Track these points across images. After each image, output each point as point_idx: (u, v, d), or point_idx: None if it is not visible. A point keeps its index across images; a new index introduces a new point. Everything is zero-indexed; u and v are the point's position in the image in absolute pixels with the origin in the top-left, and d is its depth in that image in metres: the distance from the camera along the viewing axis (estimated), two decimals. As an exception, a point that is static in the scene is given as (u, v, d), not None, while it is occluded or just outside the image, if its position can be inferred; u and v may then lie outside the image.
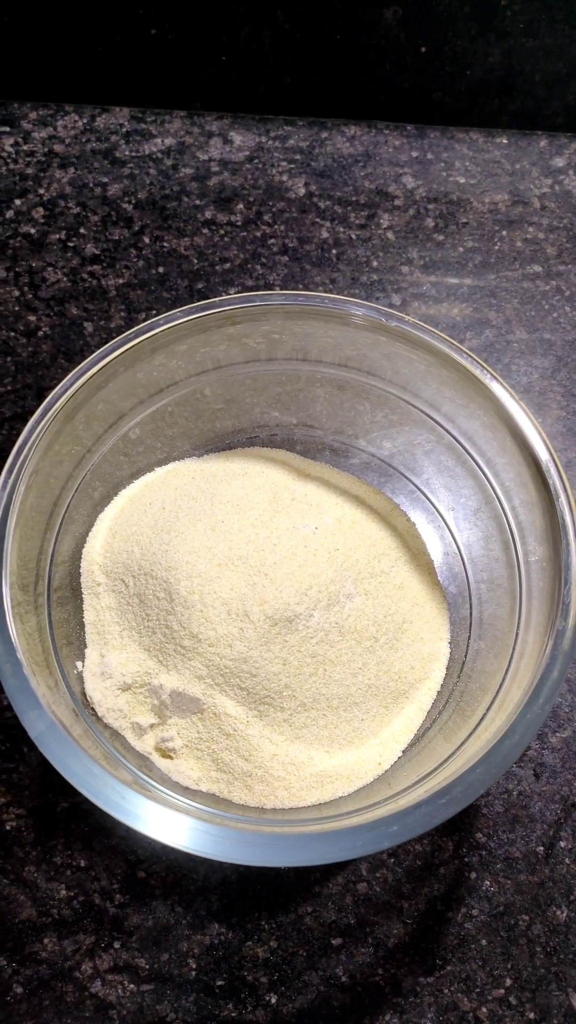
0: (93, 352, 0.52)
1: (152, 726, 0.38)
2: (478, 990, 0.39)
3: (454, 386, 0.41)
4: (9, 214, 0.56)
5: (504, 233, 0.57)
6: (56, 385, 0.51)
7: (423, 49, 0.56)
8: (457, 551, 0.44)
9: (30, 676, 0.31)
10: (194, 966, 0.39)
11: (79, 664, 0.39)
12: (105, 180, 0.58)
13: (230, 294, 0.54)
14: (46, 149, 0.59)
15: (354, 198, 0.57)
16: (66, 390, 0.38)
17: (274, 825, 0.35)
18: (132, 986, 0.39)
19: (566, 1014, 0.39)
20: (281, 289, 0.55)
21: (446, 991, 0.39)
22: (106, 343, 0.52)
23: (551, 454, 0.37)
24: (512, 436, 0.38)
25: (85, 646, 0.39)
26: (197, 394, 0.45)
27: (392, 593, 0.41)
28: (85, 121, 0.60)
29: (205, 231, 0.56)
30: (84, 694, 0.38)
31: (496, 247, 0.56)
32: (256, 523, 0.40)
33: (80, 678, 0.38)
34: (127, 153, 0.59)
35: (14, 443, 0.49)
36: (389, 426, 0.46)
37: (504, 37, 0.55)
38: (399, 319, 0.39)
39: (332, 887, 0.41)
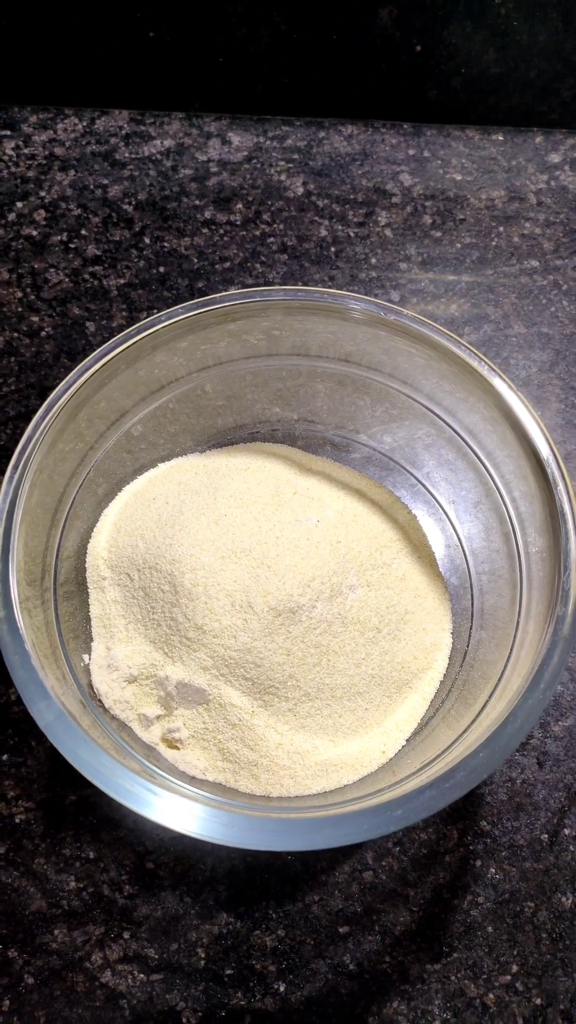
0: (95, 351, 0.53)
1: (158, 717, 0.38)
2: (485, 976, 0.40)
3: (454, 380, 0.41)
4: (11, 217, 0.57)
5: (501, 229, 0.57)
6: (59, 384, 0.52)
7: (418, 48, 0.57)
8: (458, 543, 0.45)
9: (38, 668, 0.32)
10: (203, 955, 0.40)
11: (85, 657, 0.39)
12: (105, 182, 0.58)
13: (230, 293, 0.55)
14: (47, 152, 0.59)
15: (352, 196, 0.58)
16: (69, 387, 0.38)
17: (280, 812, 0.35)
18: (142, 976, 0.40)
19: (572, 999, 0.39)
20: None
21: (453, 978, 0.40)
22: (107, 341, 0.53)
23: (551, 446, 0.37)
24: (512, 429, 0.39)
25: (91, 639, 0.40)
26: (198, 391, 0.45)
27: (394, 584, 0.41)
28: (85, 124, 0.60)
29: (205, 231, 0.57)
30: (91, 686, 0.38)
31: (493, 243, 0.57)
32: (259, 516, 0.40)
33: (87, 671, 0.39)
34: (127, 155, 0.59)
35: (18, 442, 0.50)
36: (390, 420, 0.47)
37: (499, 35, 0.56)
38: (399, 313, 0.40)
39: (338, 876, 0.41)
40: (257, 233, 0.57)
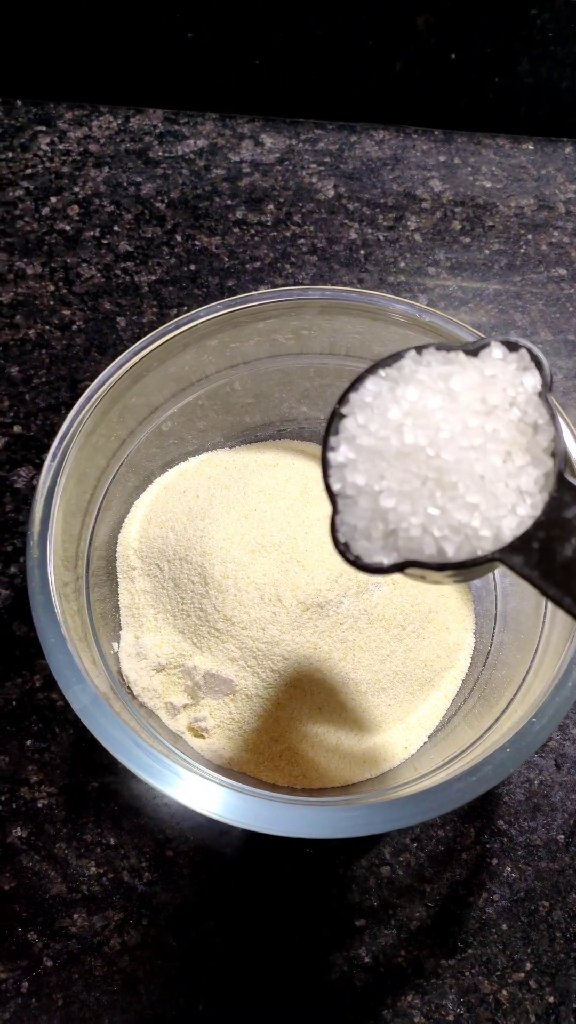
0: (125, 346, 0.54)
1: (185, 706, 0.39)
2: (499, 973, 0.40)
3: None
4: (45, 211, 0.58)
5: (529, 237, 0.58)
6: (89, 377, 0.53)
7: (453, 56, 0.57)
8: (482, 545, 0.45)
9: (74, 652, 0.32)
10: (220, 944, 0.40)
11: (115, 645, 0.40)
12: (139, 180, 0.59)
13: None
14: (81, 148, 0.60)
15: (382, 200, 0.58)
16: (105, 382, 0.39)
17: (307, 803, 0.36)
18: (160, 962, 0.40)
19: (584, 999, 0.40)
20: (310, 288, 0.56)
21: (467, 973, 0.40)
22: (138, 337, 0.54)
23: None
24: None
25: (120, 628, 0.40)
26: (227, 388, 0.46)
27: (419, 583, 0.42)
28: (119, 122, 0.61)
29: (236, 230, 0.57)
30: (120, 674, 0.39)
31: (521, 250, 0.57)
32: (288, 512, 0.41)
33: (116, 658, 0.39)
34: (160, 154, 0.60)
35: (48, 433, 0.51)
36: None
37: (533, 45, 0.56)
38: (432, 314, 0.40)
39: (356, 870, 0.41)
40: (287, 234, 0.57)
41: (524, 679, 0.37)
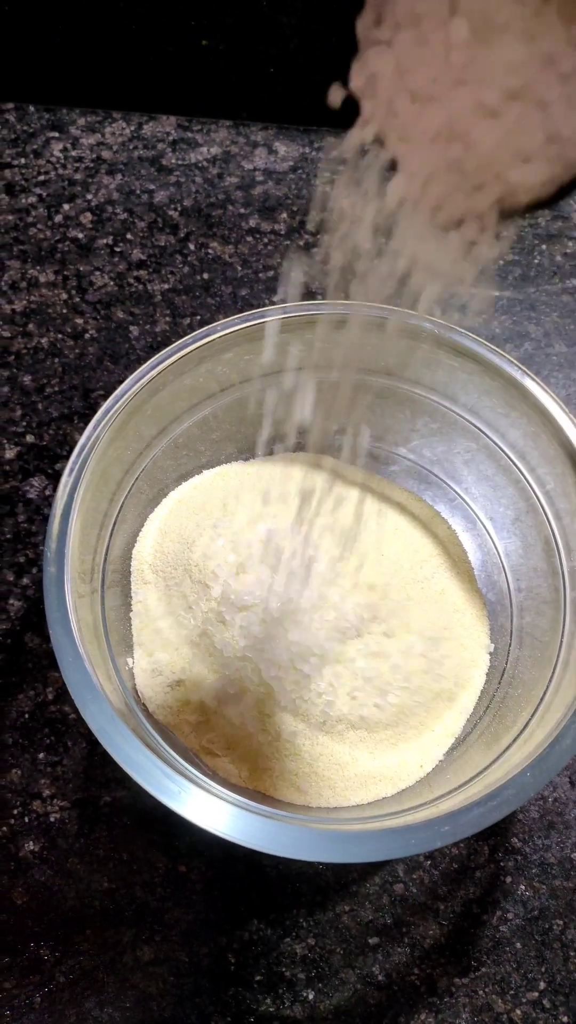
0: (138, 355, 0.53)
1: (199, 723, 0.38)
2: (512, 992, 0.40)
3: (496, 394, 0.42)
4: (58, 219, 0.57)
5: (544, 247, 0.57)
6: (102, 387, 0.52)
7: (469, 65, 0.57)
8: (497, 559, 0.45)
9: (91, 671, 0.32)
10: (233, 961, 0.40)
11: (129, 660, 0.40)
12: (152, 187, 0.59)
13: (273, 301, 0.55)
14: (94, 155, 0.60)
15: (396, 209, 0.58)
16: (121, 397, 0.39)
17: (321, 823, 0.35)
18: (172, 978, 0.40)
19: (599, 1019, 0.40)
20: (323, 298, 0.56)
21: (481, 992, 0.40)
22: (151, 346, 0.54)
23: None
24: (558, 445, 0.39)
25: (134, 643, 0.40)
26: (241, 401, 0.46)
27: (434, 599, 0.42)
28: (132, 128, 0.61)
29: (249, 239, 0.57)
30: (135, 690, 0.39)
31: (536, 261, 0.57)
32: (302, 527, 0.40)
33: (131, 674, 0.39)
34: (173, 161, 0.60)
35: (60, 442, 0.51)
36: (430, 434, 0.47)
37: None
38: (450, 329, 0.40)
39: (369, 887, 0.41)
40: (301, 243, 0.57)
41: (542, 698, 0.37)
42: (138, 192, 0.58)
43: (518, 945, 0.41)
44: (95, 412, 0.38)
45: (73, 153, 0.60)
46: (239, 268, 0.56)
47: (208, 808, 0.30)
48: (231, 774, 0.38)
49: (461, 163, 0.24)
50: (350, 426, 0.48)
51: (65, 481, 0.36)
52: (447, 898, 0.41)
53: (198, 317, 0.55)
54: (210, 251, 0.57)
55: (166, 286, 0.56)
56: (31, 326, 0.54)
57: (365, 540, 0.41)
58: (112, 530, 0.40)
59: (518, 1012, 0.40)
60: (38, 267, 0.56)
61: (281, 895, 0.41)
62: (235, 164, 0.60)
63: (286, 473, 0.45)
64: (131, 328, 0.54)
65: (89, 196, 0.58)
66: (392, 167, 0.26)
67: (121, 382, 0.39)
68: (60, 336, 0.54)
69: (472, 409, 0.44)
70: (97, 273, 0.56)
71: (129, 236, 0.57)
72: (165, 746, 0.37)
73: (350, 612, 0.38)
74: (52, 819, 0.42)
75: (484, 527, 0.46)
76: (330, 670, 0.37)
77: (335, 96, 0.24)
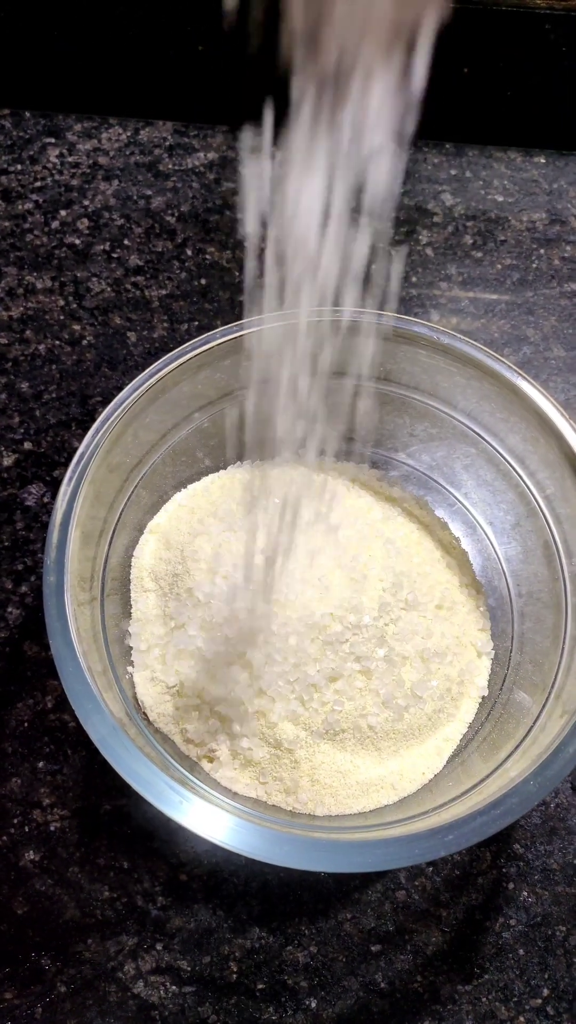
0: (136, 361, 0.53)
1: (200, 732, 0.38)
2: (516, 999, 0.40)
3: (495, 399, 0.42)
4: (55, 225, 0.57)
5: (542, 251, 0.57)
6: (99, 393, 0.52)
7: (465, 70, 0.57)
8: (497, 564, 0.45)
9: (92, 681, 0.32)
10: (235, 969, 0.40)
11: (129, 669, 0.39)
12: (149, 193, 0.59)
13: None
14: (91, 161, 0.60)
15: (393, 214, 0.58)
16: (120, 405, 0.39)
17: (323, 831, 0.35)
18: (174, 987, 0.40)
19: (602, 1025, 0.39)
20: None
21: (484, 999, 0.40)
22: (148, 352, 0.54)
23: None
24: (558, 450, 0.39)
25: (134, 650, 0.40)
26: (240, 407, 0.45)
27: (436, 604, 0.42)
28: (129, 134, 0.61)
29: (247, 244, 0.57)
30: (135, 698, 0.38)
31: (534, 265, 0.57)
32: (304, 533, 0.40)
33: (131, 682, 0.39)
34: (170, 166, 0.60)
35: (58, 449, 0.51)
36: (429, 439, 0.47)
37: (545, 60, 0.56)
38: (447, 334, 0.40)
39: (371, 894, 0.41)
40: (298, 248, 0.57)
41: (544, 704, 0.37)
42: (135, 198, 0.58)
43: (521, 952, 0.41)
44: (93, 419, 0.38)
45: (70, 159, 0.60)
46: (237, 274, 0.56)
47: (209, 818, 0.30)
48: (232, 783, 0.38)
49: None
50: (350, 431, 0.48)
51: (64, 490, 0.36)
52: (449, 905, 0.41)
53: (196, 323, 0.55)
54: (207, 256, 0.57)
55: (164, 292, 0.55)
56: (28, 333, 0.54)
57: (368, 545, 0.41)
58: (112, 538, 0.40)
59: (521, 1019, 0.40)
60: (35, 273, 0.56)
61: (283, 903, 0.41)
62: (232, 169, 0.60)
63: (287, 478, 0.45)
64: (129, 334, 0.54)
65: (86, 202, 0.58)
66: None
67: (119, 388, 0.39)
68: (57, 343, 0.54)
69: (471, 414, 0.44)
70: (94, 279, 0.56)
71: (126, 242, 0.57)
72: (166, 755, 0.37)
73: (352, 619, 0.38)
74: (52, 828, 0.42)
75: (484, 532, 0.46)
76: (333, 679, 0.37)
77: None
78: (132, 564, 0.42)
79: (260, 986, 0.40)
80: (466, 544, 0.46)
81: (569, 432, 0.38)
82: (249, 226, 0.29)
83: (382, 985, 0.40)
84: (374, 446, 0.49)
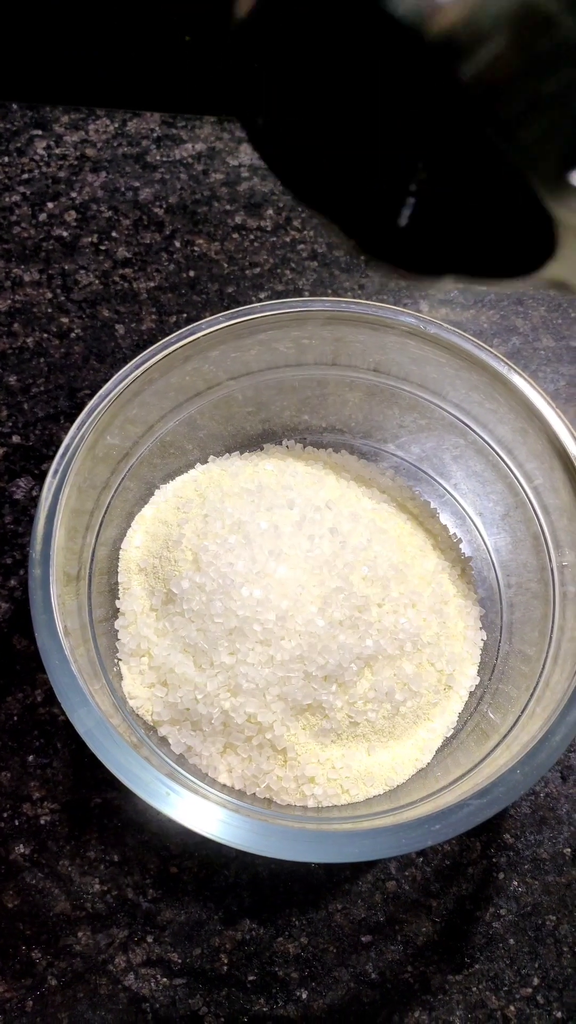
0: (124, 353, 0.53)
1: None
2: (506, 988, 0.40)
3: (484, 390, 0.42)
4: (42, 217, 0.57)
5: (531, 241, 0.57)
6: (87, 386, 0.52)
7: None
8: (486, 555, 0.45)
9: (78, 673, 0.32)
10: (226, 961, 0.40)
11: (117, 660, 0.39)
12: (136, 184, 0.58)
13: (260, 298, 0.55)
14: (78, 153, 0.59)
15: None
16: (105, 397, 0.38)
17: (314, 822, 0.35)
18: (165, 980, 0.40)
19: (592, 1013, 0.40)
20: (311, 294, 0.55)
21: (474, 989, 0.40)
22: (137, 345, 0.53)
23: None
24: (546, 440, 0.39)
25: (121, 642, 0.40)
26: (228, 398, 0.45)
27: (426, 594, 0.42)
28: (116, 125, 0.60)
29: (235, 236, 0.57)
30: (124, 691, 0.38)
31: (523, 255, 0.57)
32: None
33: (119, 674, 0.39)
34: (158, 158, 0.59)
35: (47, 442, 0.50)
36: (418, 430, 0.47)
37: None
38: (434, 324, 0.40)
39: (362, 885, 0.41)
40: (287, 239, 0.57)
41: (533, 692, 0.37)
42: (123, 189, 0.58)
43: (511, 941, 0.41)
44: (81, 412, 0.38)
45: (57, 151, 0.59)
46: (225, 265, 0.56)
47: (198, 811, 0.30)
48: (221, 774, 0.37)
49: None
50: (340, 422, 0.48)
51: (49, 483, 0.35)
52: (440, 895, 0.41)
53: (184, 315, 0.54)
54: (196, 248, 0.56)
55: (152, 284, 0.55)
56: (16, 326, 0.54)
57: (359, 536, 0.41)
58: (99, 530, 0.40)
59: (512, 1008, 0.40)
60: (22, 266, 0.55)
61: (273, 894, 0.41)
62: (220, 160, 0.59)
63: (276, 469, 0.45)
64: (117, 327, 0.54)
65: (73, 194, 0.58)
66: None
67: (108, 381, 0.39)
68: (45, 335, 0.53)
69: (460, 405, 0.44)
70: (82, 272, 0.55)
71: (114, 234, 0.57)
72: (155, 747, 0.37)
73: (344, 611, 0.38)
74: (43, 821, 0.42)
75: (473, 523, 0.46)
76: (325, 671, 0.37)
77: None
78: (120, 556, 0.42)
79: (251, 978, 0.40)
80: (455, 535, 0.46)
81: (557, 423, 0.38)
82: None
83: (373, 976, 0.40)
84: (363, 437, 0.49)
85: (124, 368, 0.39)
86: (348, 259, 0.56)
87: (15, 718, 0.44)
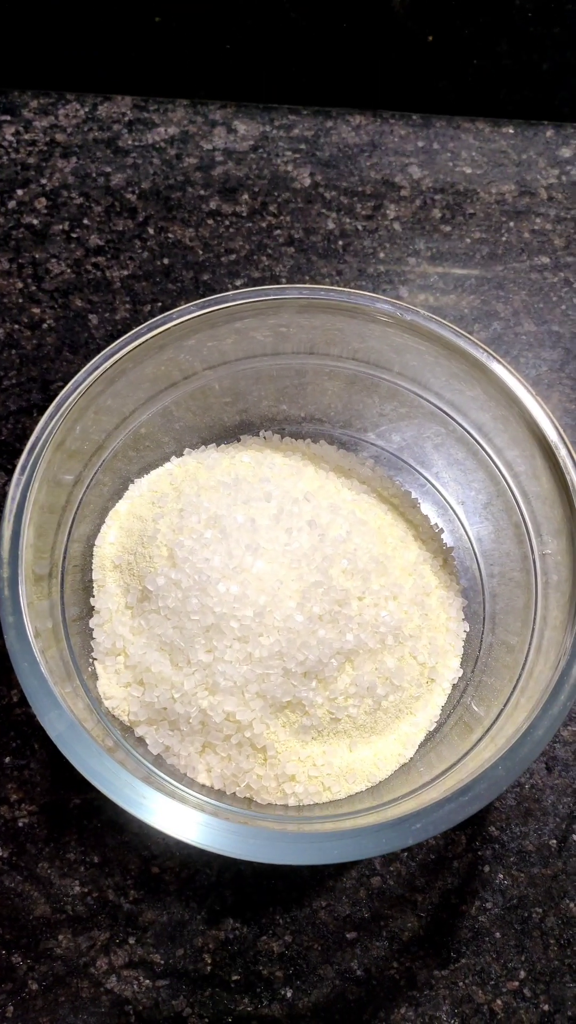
0: (98, 344, 0.52)
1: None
2: (492, 982, 0.40)
3: (464, 378, 0.41)
4: (11, 204, 0.56)
5: (511, 224, 0.56)
6: (61, 378, 0.51)
7: (430, 38, 0.56)
8: (468, 545, 0.44)
9: (48, 676, 0.31)
10: (209, 961, 0.39)
11: (92, 660, 0.39)
12: (108, 170, 0.57)
13: (236, 286, 0.54)
14: (48, 138, 0.58)
15: (360, 188, 0.57)
16: (77, 387, 0.37)
17: (295, 822, 0.35)
18: (148, 981, 0.39)
19: (579, 1005, 0.39)
20: (288, 281, 0.54)
21: (461, 984, 0.39)
22: (111, 335, 0.52)
23: (566, 445, 0.37)
24: (526, 428, 0.38)
25: (96, 642, 0.39)
26: (205, 388, 0.44)
27: (407, 586, 0.41)
28: (87, 110, 0.59)
29: (210, 222, 0.56)
30: (98, 692, 0.38)
31: (503, 238, 0.56)
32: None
33: (93, 674, 0.38)
34: (130, 142, 0.58)
35: (20, 437, 0.49)
36: (398, 419, 0.46)
37: (512, 26, 0.55)
38: (411, 311, 0.39)
39: (346, 881, 0.41)
40: (263, 225, 0.56)
41: (517, 683, 0.36)
42: (94, 175, 0.57)
43: (497, 935, 0.40)
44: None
45: (26, 136, 0.58)
46: (200, 252, 0.55)
47: (175, 816, 0.29)
48: (200, 774, 0.37)
49: None
50: (318, 411, 0.47)
51: (17, 479, 0.34)
52: (425, 889, 0.41)
53: (159, 304, 0.53)
54: (170, 235, 0.55)
55: (125, 272, 0.54)
56: (-14, 316, 0.52)
57: (339, 527, 0.40)
58: (72, 526, 0.39)
59: (499, 1002, 0.39)
60: (-8, 255, 0.54)
61: (256, 893, 0.40)
62: (194, 144, 0.58)
63: (253, 461, 0.44)
64: (90, 317, 0.53)
65: (43, 181, 0.56)
66: None
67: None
68: (16, 327, 0.52)
69: (440, 393, 0.43)
70: (53, 260, 0.54)
71: (86, 221, 0.55)
72: (131, 749, 0.36)
73: (324, 605, 0.37)
74: (20, 824, 0.41)
75: (455, 513, 0.45)
76: (305, 667, 0.37)
77: None
78: (94, 553, 0.41)
79: (235, 977, 0.39)
80: (437, 525, 0.45)
81: (537, 410, 0.37)
82: None
83: (358, 972, 0.40)
84: (343, 427, 0.48)
85: (95, 358, 0.38)
86: (326, 245, 0.55)
87: (-9, 719, 0.43)
